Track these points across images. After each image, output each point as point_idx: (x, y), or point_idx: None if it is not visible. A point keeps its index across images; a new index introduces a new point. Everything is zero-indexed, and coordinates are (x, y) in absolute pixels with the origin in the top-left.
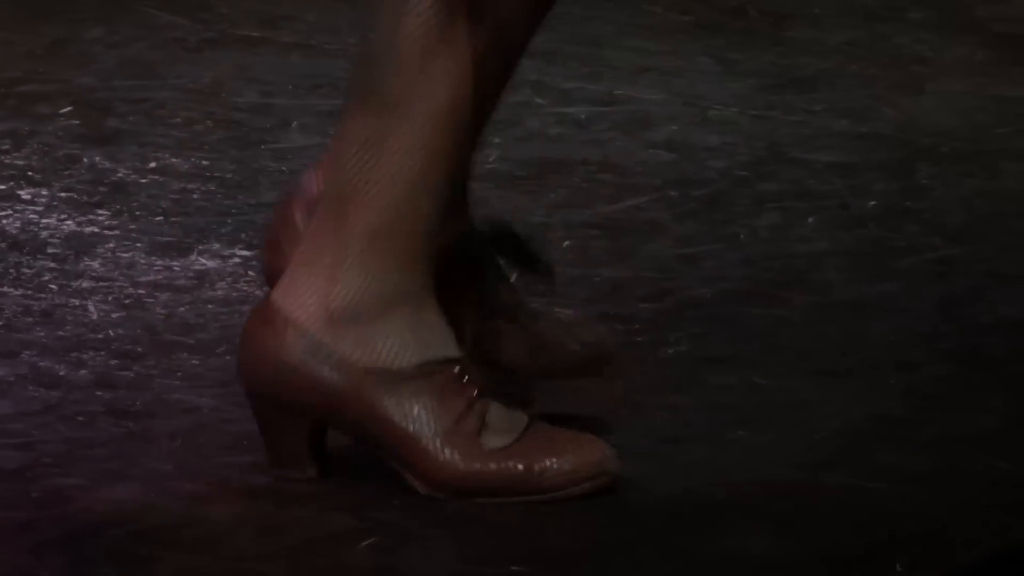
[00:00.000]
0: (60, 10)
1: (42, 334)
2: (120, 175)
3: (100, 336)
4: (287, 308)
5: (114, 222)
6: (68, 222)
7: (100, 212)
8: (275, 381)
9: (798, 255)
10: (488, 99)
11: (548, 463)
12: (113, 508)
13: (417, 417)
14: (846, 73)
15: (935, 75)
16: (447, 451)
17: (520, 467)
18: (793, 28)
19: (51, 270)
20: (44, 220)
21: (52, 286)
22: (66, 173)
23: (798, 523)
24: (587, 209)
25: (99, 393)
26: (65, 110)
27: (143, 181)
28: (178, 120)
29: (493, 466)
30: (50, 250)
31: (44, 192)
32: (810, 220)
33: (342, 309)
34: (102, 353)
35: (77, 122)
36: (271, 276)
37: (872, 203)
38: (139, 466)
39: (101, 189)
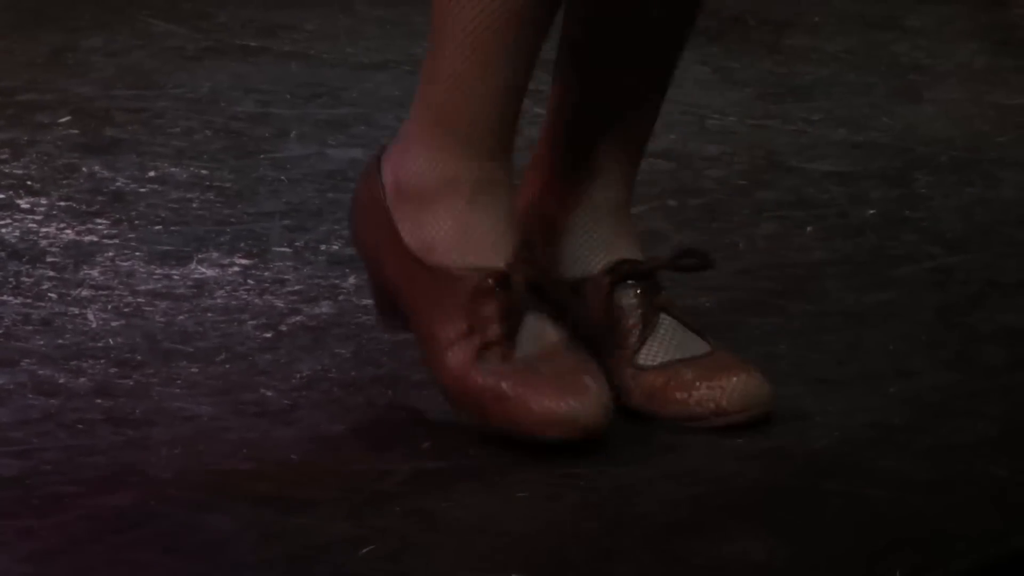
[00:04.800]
0: (59, 19)
1: (41, 342)
2: (119, 184)
3: (99, 344)
4: (382, 170)
5: (113, 231)
6: (67, 231)
7: (99, 221)
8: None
9: (797, 264)
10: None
11: (528, 397)
12: (112, 515)
13: (438, 316)
14: (844, 81)
15: (933, 83)
16: (451, 353)
17: (505, 390)
18: (791, 36)
19: (50, 279)
20: (43, 229)
21: (51, 295)
22: (65, 182)
23: (798, 530)
24: None
25: (98, 401)
26: (64, 119)
27: (142, 190)
28: (177, 129)
29: (480, 380)
30: (49, 259)
31: (43, 201)
32: (808, 229)
33: (406, 184)
34: (101, 361)
35: (76, 131)
36: None
37: (870, 212)
38: (138, 474)
39: (100, 198)
